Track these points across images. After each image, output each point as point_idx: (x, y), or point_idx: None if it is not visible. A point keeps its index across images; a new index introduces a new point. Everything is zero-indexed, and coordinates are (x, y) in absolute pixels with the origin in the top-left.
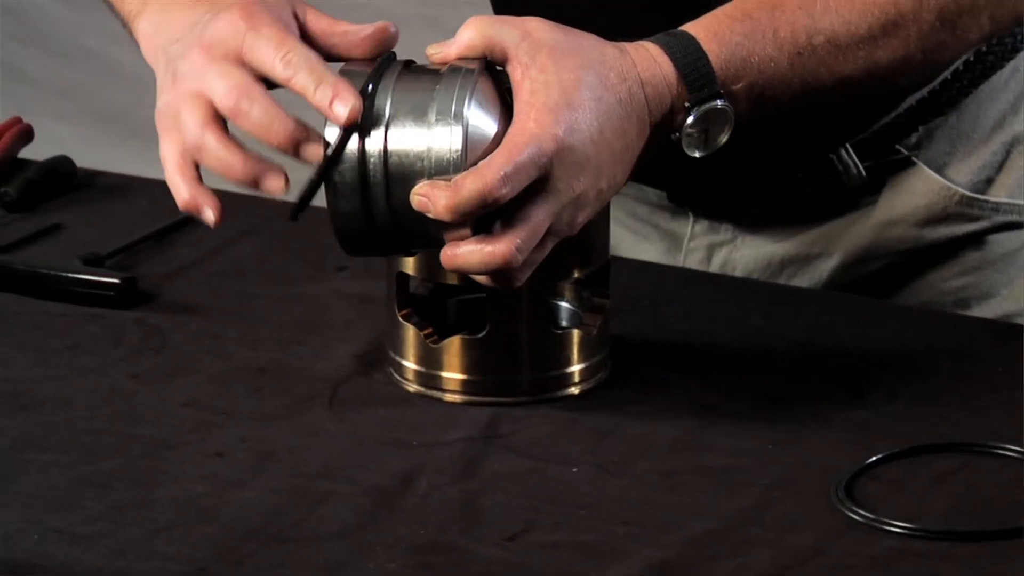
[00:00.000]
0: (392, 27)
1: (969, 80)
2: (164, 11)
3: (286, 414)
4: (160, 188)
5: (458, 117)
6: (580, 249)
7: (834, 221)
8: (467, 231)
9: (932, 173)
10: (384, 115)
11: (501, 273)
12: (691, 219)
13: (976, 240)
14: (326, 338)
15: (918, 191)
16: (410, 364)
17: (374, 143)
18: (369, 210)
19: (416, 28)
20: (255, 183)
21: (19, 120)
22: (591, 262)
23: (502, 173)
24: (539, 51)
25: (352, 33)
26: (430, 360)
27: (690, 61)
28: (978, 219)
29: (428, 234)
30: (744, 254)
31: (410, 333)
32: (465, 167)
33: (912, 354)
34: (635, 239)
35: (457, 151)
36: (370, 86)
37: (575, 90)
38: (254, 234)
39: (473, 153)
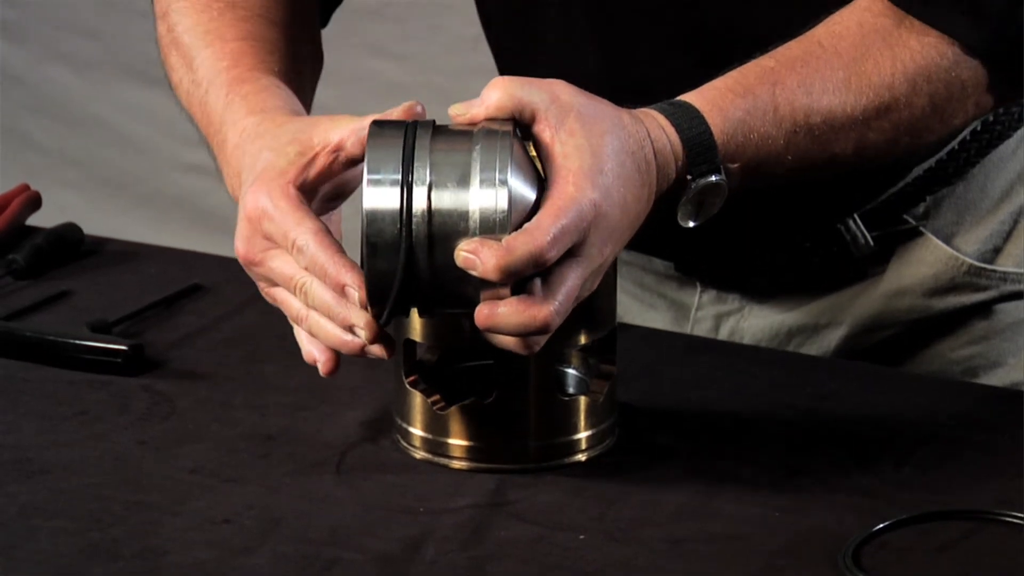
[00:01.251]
0: (419, 106)
1: (976, 150)
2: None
3: (293, 480)
4: (167, 255)
5: (503, 179)
6: (587, 316)
7: (842, 291)
8: (506, 291)
9: (940, 243)
10: (425, 175)
11: (530, 337)
12: (698, 289)
13: (984, 309)
14: (333, 405)
15: (926, 261)
16: (417, 431)
17: (419, 203)
18: (408, 270)
19: (422, 97)
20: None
21: (27, 187)
22: (598, 329)
23: (551, 235)
24: (567, 114)
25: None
26: (437, 427)
27: (695, 135)
28: (986, 288)
29: (463, 295)
30: (752, 323)
31: (417, 400)
32: (510, 229)
33: (918, 421)
34: (642, 308)
35: (504, 211)
36: (409, 144)
37: (604, 156)
38: (261, 302)
39: (515, 215)
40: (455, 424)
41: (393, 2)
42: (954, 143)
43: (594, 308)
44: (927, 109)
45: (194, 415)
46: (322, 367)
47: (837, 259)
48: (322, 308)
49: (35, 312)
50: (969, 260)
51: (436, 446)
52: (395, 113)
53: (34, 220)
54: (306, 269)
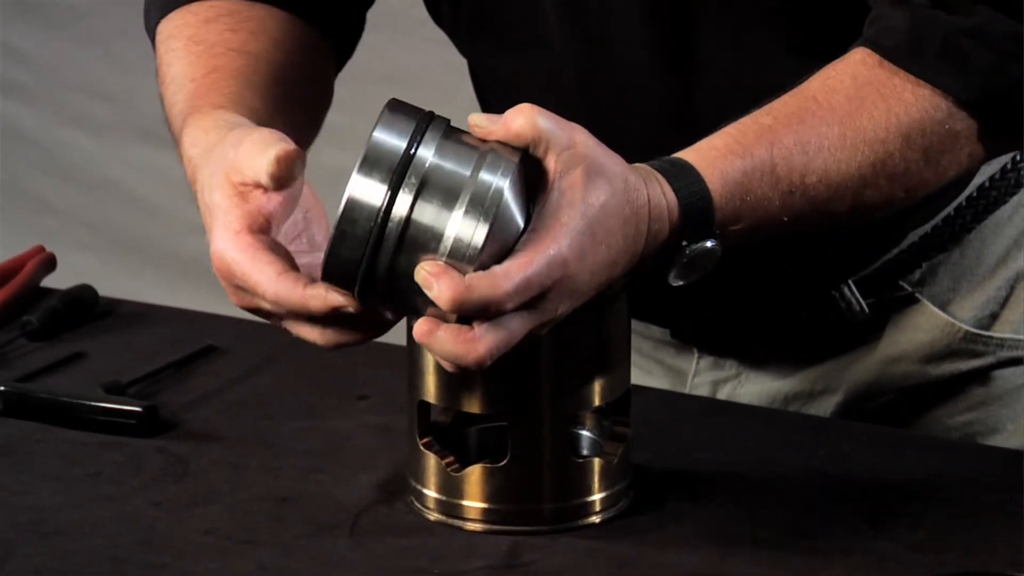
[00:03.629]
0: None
1: (972, 216)
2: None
3: (307, 543)
4: (181, 317)
5: (488, 215)
6: (602, 379)
7: (838, 358)
8: (452, 317)
9: (936, 310)
10: (415, 183)
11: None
12: (695, 355)
13: (981, 376)
14: (347, 466)
15: (922, 328)
16: (431, 492)
17: (399, 209)
18: (369, 267)
19: None
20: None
21: (42, 249)
22: (612, 391)
23: (514, 287)
24: (577, 165)
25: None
26: (451, 488)
27: (693, 202)
28: (982, 355)
29: (410, 302)
30: (748, 390)
31: (431, 461)
32: (477, 264)
33: (931, 483)
34: (640, 374)
35: (476, 248)
36: (412, 148)
37: (595, 221)
38: (275, 363)
39: (490, 246)
40: (469, 486)
41: (405, 66)
42: (950, 208)
43: (609, 371)
44: (921, 163)
45: (208, 477)
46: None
47: (832, 326)
48: (311, 339)
49: (49, 373)
50: (965, 327)
51: (450, 508)
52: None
53: (49, 282)
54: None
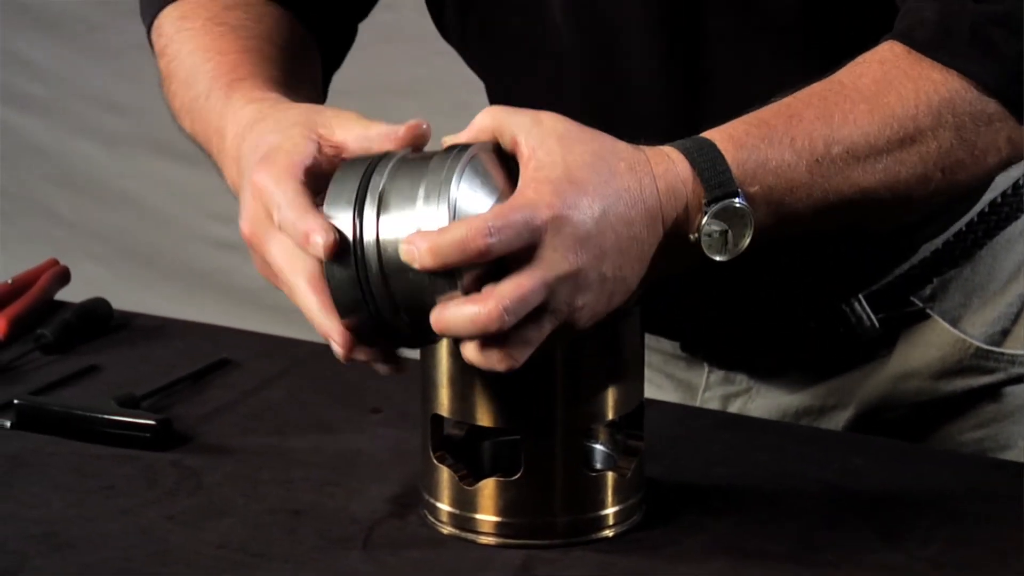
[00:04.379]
0: (424, 124)
1: (983, 232)
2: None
3: (320, 556)
4: (195, 330)
5: (444, 194)
6: (615, 392)
7: (849, 373)
8: (457, 294)
9: (947, 326)
10: (375, 204)
11: (492, 343)
12: (706, 369)
13: (993, 392)
14: (361, 480)
15: (933, 344)
16: (444, 506)
17: (368, 233)
18: (369, 295)
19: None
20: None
21: (56, 262)
22: (625, 405)
23: (489, 224)
24: (548, 137)
25: (386, 134)
26: (464, 502)
27: (705, 160)
28: (994, 371)
29: (422, 306)
30: (759, 404)
31: (444, 475)
32: None
33: (945, 497)
34: (650, 389)
35: (443, 225)
36: (366, 175)
37: (579, 171)
38: (288, 376)
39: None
40: (482, 499)
41: (420, 79)
42: (961, 224)
43: (621, 383)
44: (955, 142)
45: (221, 490)
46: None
47: (843, 341)
48: (304, 311)
49: (63, 386)
50: (976, 343)
51: (463, 521)
52: (399, 130)
53: (63, 295)
54: (280, 226)
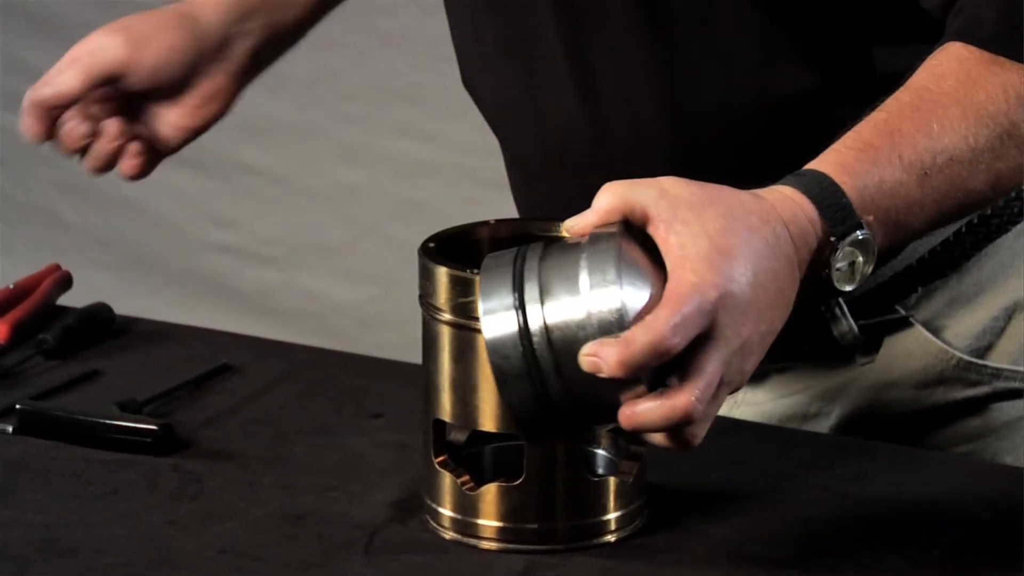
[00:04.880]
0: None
1: (971, 243)
2: None
3: (322, 561)
4: (196, 335)
5: (612, 278)
6: None
7: (832, 380)
8: (643, 389)
9: (929, 335)
10: (536, 293)
11: (681, 429)
12: None
13: (978, 406)
14: (362, 485)
15: (916, 353)
16: (446, 511)
17: (534, 322)
18: (542, 390)
19: (450, 177)
20: None
21: (58, 267)
22: None
23: (672, 324)
24: (679, 206)
25: None
26: (466, 507)
27: (826, 196)
28: (978, 384)
29: (604, 401)
30: (743, 412)
31: (446, 480)
32: (628, 326)
33: (947, 502)
34: None
35: (618, 310)
36: (518, 268)
37: (723, 238)
38: (290, 381)
39: (632, 312)
40: (484, 504)
41: (422, 84)
42: (949, 234)
43: None
44: None
45: (223, 495)
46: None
47: (825, 347)
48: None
49: (65, 392)
50: (959, 354)
51: (465, 526)
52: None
53: (64, 300)
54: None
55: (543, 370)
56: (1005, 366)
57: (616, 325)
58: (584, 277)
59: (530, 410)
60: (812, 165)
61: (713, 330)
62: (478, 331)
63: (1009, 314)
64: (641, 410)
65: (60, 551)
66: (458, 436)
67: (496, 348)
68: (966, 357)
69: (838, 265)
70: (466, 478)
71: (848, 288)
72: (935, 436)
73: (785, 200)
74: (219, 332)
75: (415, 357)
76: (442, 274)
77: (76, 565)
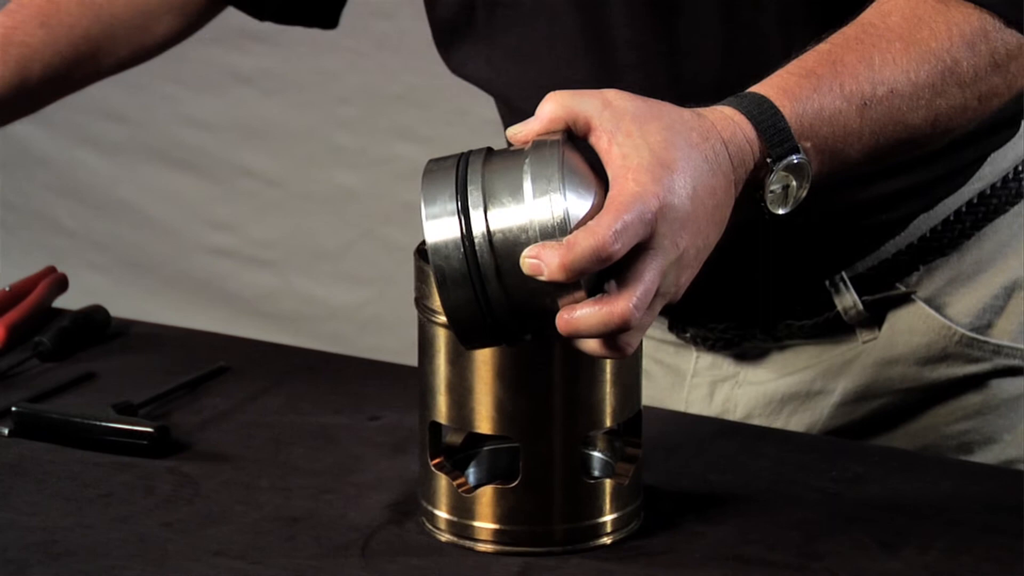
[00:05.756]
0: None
1: (971, 223)
2: None
3: (318, 563)
4: (192, 338)
5: (555, 185)
6: (613, 398)
7: (835, 357)
8: (582, 294)
9: (932, 312)
10: (479, 199)
11: (616, 336)
12: (695, 354)
13: (978, 383)
14: (358, 487)
15: (918, 330)
16: (442, 513)
17: (477, 226)
18: (482, 294)
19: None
20: None
21: (54, 270)
22: (623, 412)
23: (614, 230)
24: (622, 118)
25: None
26: (462, 510)
27: (765, 117)
28: (979, 360)
29: (542, 307)
30: (746, 391)
31: (442, 482)
32: (570, 232)
33: (942, 505)
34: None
35: (561, 217)
36: (461, 173)
37: (665, 151)
38: (286, 384)
39: (575, 220)
40: (480, 507)
41: (419, 87)
42: (949, 213)
43: (620, 390)
44: (989, 68)
45: (219, 497)
46: None
47: (829, 323)
48: None
49: (61, 394)
50: (961, 330)
51: (461, 529)
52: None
53: (60, 302)
54: None
55: (484, 273)
56: (1005, 343)
57: (558, 230)
58: (528, 183)
59: (468, 314)
60: (754, 88)
61: (652, 240)
62: None
63: (1008, 293)
64: (579, 315)
65: (56, 553)
66: (454, 438)
67: (437, 250)
68: (968, 333)
69: (772, 187)
70: (462, 480)
71: (780, 212)
72: (935, 413)
73: (725, 119)
74: (215, 335)
75: (411, 360)
76: None
77: (73, 567)
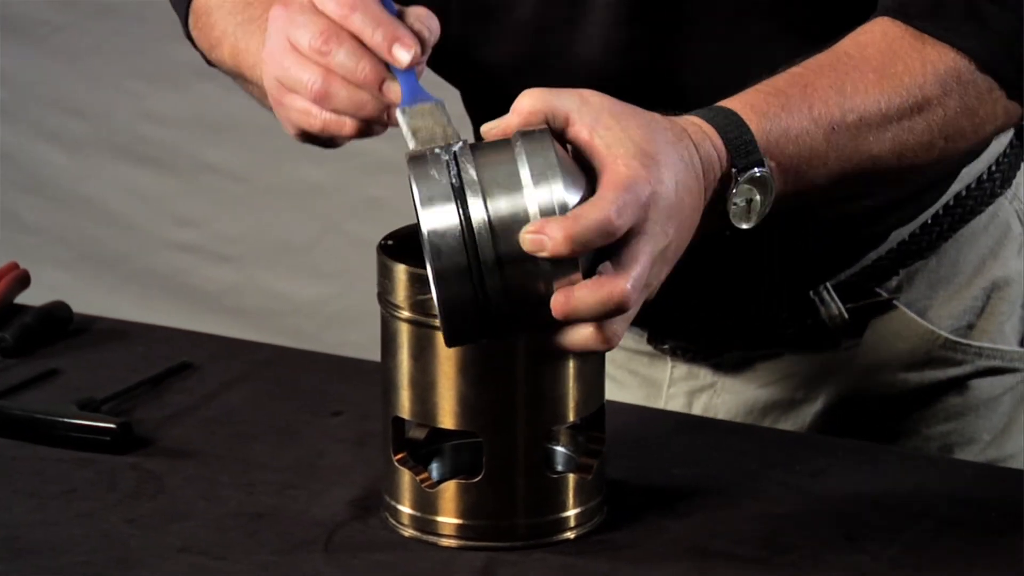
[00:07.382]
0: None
1: (949, 224)
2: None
3: (281, 559)
4: (156, 333)
5: (552, 171)
6: (575, 393)
7: (817, 365)
8: (578, 276)
9: (915, 316)
10: (477, 188)
11: (611, 319)
12: (669, 364)
13: (959, 385)
14: (322, 483)
15: (901, 335)
16: (406, 509)
17: (477, 216)
18: (480, 286)
19: None
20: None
21: (16, 266)
22: (587, 406)
23: (616, 204)
24: (601, 113)
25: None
26: (426, 505)
27: (732, 129)
28: (960, 363)
29: (538, 296)
30: (725, 400)
31: (406, 478)
32: None
33: (908, 499)
34: (613, 386)
35: (561, 201)
36: (453, 164)
37: (648, 144)
38: (249, 380)
39: (571, 197)
40: (444, 502)
41: None
42: (927, 216)
43: (583, 385)
44: (959, 110)
45: (182, 493)
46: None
47: (811, 331)
48: (362, 6)
49: (23, 390)
50: (944, 334)
51: (425, 524)
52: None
53: (23, 298)
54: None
55: (483, 263)
56: (986, 344)
57: (559, 214)
58: (525, 170)
59: (462, 308)
60: (723, 103)
61: (644, 224)
62: (437, 328)
63: (987, 294)
64: (577, 295)
65: (18, 550)
66: (417, 433)
67: (437, 241)
68: (952, 337)
69: (736, 200)
70: (425, 475)
71: (744, 226)
72: (917, 417)
73: (694, 126)
74: (179, 330)
75: (376, 355)
76: (400, 272)
77: (36, 564)
